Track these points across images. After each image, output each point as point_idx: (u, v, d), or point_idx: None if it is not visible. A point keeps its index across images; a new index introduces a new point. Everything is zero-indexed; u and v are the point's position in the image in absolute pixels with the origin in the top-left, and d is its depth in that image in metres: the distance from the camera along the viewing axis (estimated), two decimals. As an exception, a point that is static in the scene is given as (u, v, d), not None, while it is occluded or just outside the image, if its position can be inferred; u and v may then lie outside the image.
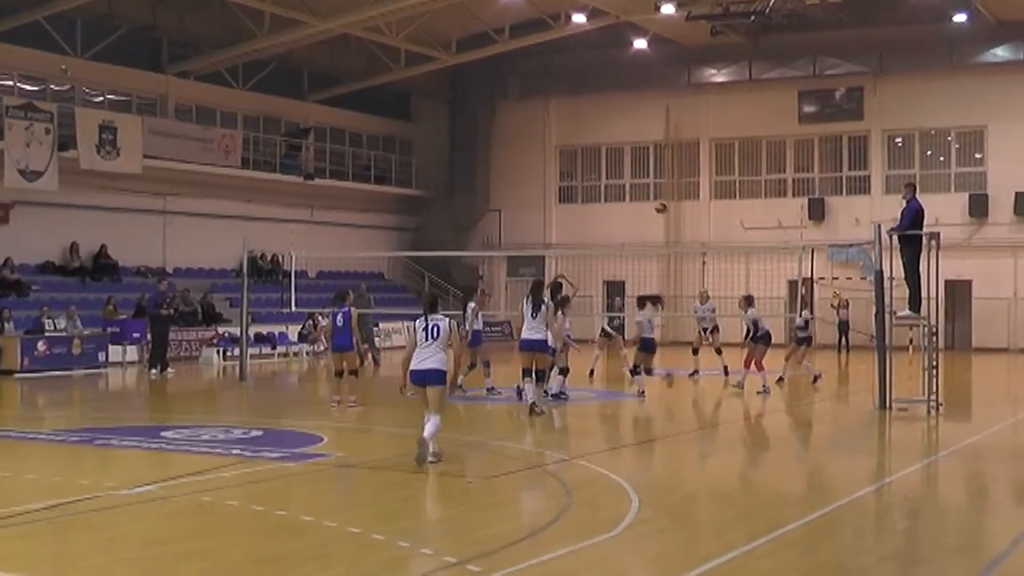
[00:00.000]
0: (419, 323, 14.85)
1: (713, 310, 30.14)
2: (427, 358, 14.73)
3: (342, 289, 22.66)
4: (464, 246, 49.05)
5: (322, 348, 35.90)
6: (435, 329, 14.73)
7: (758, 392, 25.28)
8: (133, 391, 27.52)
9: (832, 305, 40.75)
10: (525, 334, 20.35)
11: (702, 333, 29.99)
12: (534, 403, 20.07)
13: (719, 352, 28.79)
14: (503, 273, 49.95)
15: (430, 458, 14.42)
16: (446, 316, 15.03)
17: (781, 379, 27.22)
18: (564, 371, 22.98)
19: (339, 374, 21.73)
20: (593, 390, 25.86)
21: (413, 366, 14.84)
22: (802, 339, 27.49)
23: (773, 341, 26.91)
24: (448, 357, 14.91)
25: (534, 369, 20.18)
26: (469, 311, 24.37)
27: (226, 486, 13.24)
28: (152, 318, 30.75)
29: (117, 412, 22.64)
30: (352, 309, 21.92)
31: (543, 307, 20.37)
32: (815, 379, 27.26)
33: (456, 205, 50.17)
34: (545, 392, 21.63)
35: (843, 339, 40.85)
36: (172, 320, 31.73)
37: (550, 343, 21.13)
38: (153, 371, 29.84)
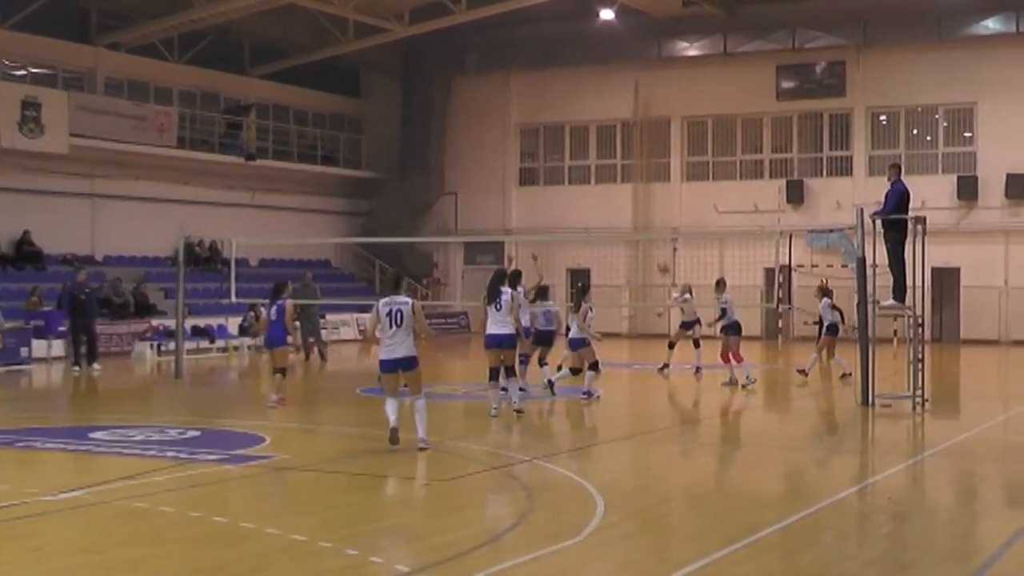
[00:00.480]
0: (383, 305, 15.91)
1: (686, 300, 29.55)
2: (398, 345, 15.83)
3: (281, 280, 22.43)
4: (418, 232, 48.95)
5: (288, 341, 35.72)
6: (399, 315, 15.73)
7: (723, 384, 25.59)
8: (59, 389, 27.35)
9: (816, 296, 40.93)
10: (491, 329, 19.70)
11: (682, 327, 29.52)
12: (499, 409, 19.96)
13: (696, 345, 28.68)
14: (459, 261, 49.92)
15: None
16: (409, 298, 16.11)
17: (803, 371, 27.13)
18: (595, 366, 22.73)
19: (277, 371, 21.72)
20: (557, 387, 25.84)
21: (383, 355, 15.96)
22: (831, 327, 28.04)
23: (747, 333, 26.96)
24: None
25: (506, 367, 19.87)
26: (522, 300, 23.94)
27: (160, 491, 13.17)
28: (69, 311, 30.48)
29: (42, 412, 22.49)
30: (288, 302, 21.74)
31: (502, 298, 19.71)
32: (844, 375, 26.92)
33: (409, 188, 50.05)
34: (588, 393, 22.43)
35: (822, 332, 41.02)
36: (92, 312, 31.07)
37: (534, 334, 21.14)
38: (75, 368, 29.63)
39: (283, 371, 21.59)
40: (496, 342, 19.62)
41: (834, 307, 29.16)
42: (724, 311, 26.47)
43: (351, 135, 49.73)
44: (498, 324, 19.57)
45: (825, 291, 28.43)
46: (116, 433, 17.70)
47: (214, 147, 43.31)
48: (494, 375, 19.73)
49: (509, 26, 47.63)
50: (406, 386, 16.30)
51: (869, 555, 10.57)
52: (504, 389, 20.26)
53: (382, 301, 16.06)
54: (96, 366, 29.90)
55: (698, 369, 28.24)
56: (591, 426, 20.72)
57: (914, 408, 20.82)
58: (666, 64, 47.21)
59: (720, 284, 27.24)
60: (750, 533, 11.06)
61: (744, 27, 45.45)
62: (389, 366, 15.99)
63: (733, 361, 26.02)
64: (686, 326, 29.21)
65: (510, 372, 20.05)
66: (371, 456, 16.38)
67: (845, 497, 13.36)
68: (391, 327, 15.79)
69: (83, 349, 30.27)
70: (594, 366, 22.56)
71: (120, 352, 34.39)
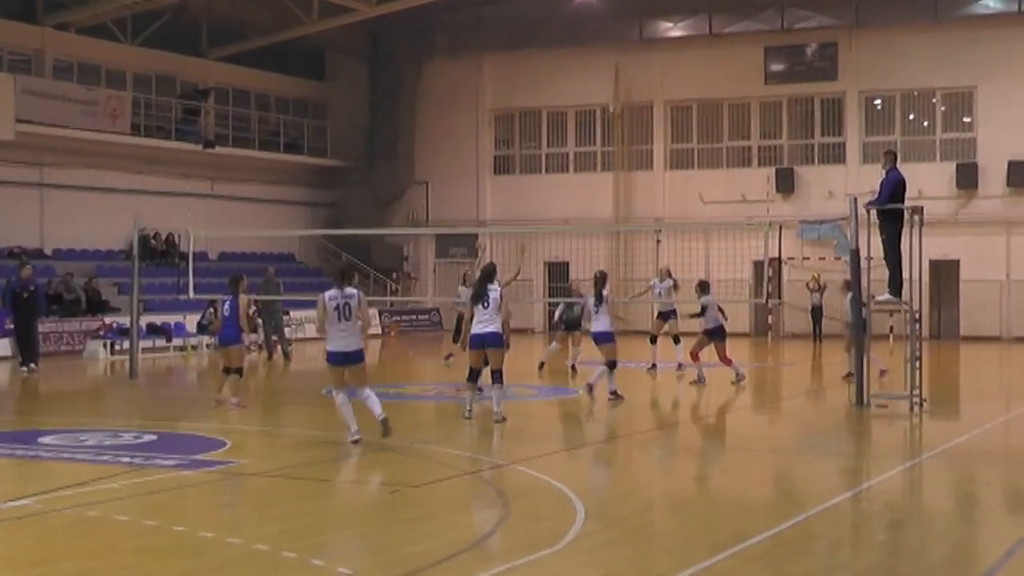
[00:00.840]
0: (330, 299, 16.66)
1: (670, 290, 29.32)
2: (348, 338, 16.66)
3: (235, 273, 22.31)
4: (386, 223, 48.93)
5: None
6: (347, 308, 16.55)
7: (691, 382, 25.93)
8: (4, 391, 27.25)
9: (809, 288, 41.11)
10: (475, 327, 19.33)
11: (660, 318, 29.32)
12: (473, 410, 19.82)
13: (676, 341, 28.71)
14: (431, 254, 49.94)
15: (380, 419, 16.65)
16: (357, 290, 16.87)
17: (851, 374, 26.42)
18: (612, 365, 22.77)
19: (227, 371, 21.74)
20: (534, 386, 25.88)
21: (333, 347, 16.77)
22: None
23: (735, 329, 27.02)
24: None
25: (491, 369, 19.33)
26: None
27: (114, 499, 13.14)
28: (11, 309, 30.18)
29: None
30: (243, 297, 21.70)
31: (490, 296, 19.30)
32: (881, 373, 26.63)
33: (377, 177, 50.02)
34: (614, 393, 22.54)
35: (817, 327, 41.18)
36: (38, 310, 30.85)
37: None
38: (23, 368, 29.35)
39: (239, 371, 21.55)
40: (479, 341, 19.25)
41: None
42: (704, 309, 26.46)
43: (316, 121, 49.66)
44: (483, 322, 19.21)
45: (704, 286, 27.87)
46: (67, 437, 17.63)
47: (170, 134, 43.21)
48: (473, 376, 19.55)
49: (482, 6, 47.69)
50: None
51: (863, 564, 10.59)
52: (480, 389, 20.29)
53: (328, 293, 16.72)
54: (32, 366, 29.40)
55: (680, 366, 28.24)
56: (571, 429, 20.73)
57: (911, 409, 20.88)
58: (648, 46, 47.26)
59: (703, 286, 27.14)
60: (737, 541, 11.07)
61: (730, 7, 45.55)
62: (338, 359, 16.79)
63: (719, 361, 26.11)
64: (663, 316, 29.09)
65: (497, 377, 19.26)
66: (337, 461, 16.37)
67: (838, 503, 13.38)
68: (340, 320, 16.56)
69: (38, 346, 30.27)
70: (613, 364, 22.74)
71: (71, 351, 34.29)
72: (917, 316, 21.82)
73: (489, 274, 19.73)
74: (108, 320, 35.66)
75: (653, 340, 29.19)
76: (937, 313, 42.94)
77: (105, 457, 15.77)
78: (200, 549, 10.95)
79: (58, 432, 18.24)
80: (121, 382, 28.84)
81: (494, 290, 19.43)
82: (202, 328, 37.11)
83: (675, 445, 18.61)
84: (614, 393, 22.62)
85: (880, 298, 22.03)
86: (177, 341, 36.96)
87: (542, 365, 28.65)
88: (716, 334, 26.32)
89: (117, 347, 34.33)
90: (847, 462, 16.98)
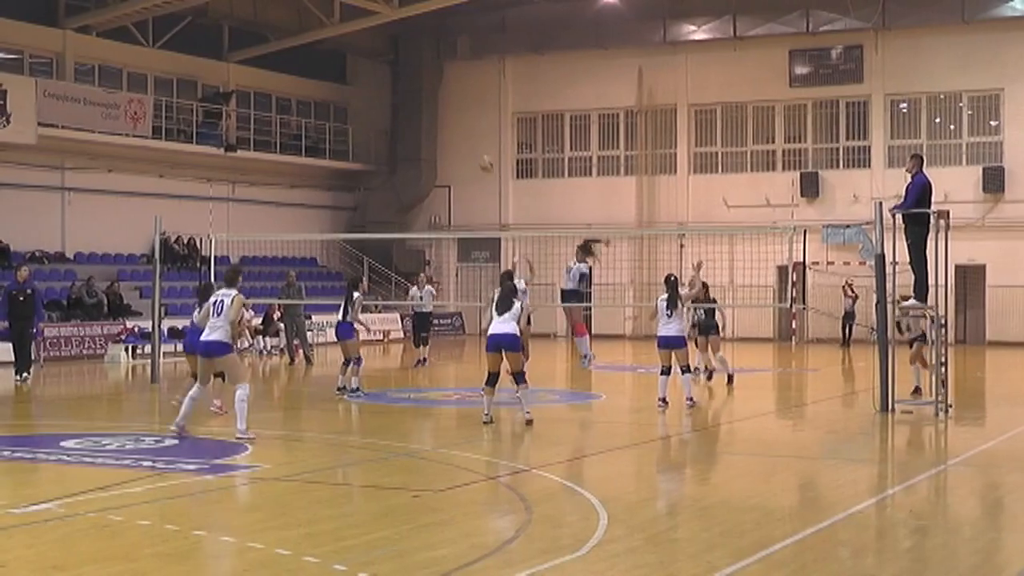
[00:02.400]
0: (213, 297, 18.15)
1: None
2: (211, 331, 17.84)
3: (232, 268, 21.46)
4: (408, 227, 49.02)
5: (246, 344, 35.81)
6: (220, 305, 17.82)
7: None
8: (26, 394, 27.31)
9: (844, 293, 41.05)
10: (492, 328, 19.57)
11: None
12: (491, 415, 19.77)
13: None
14: (453, 257, 49.99)
15: (238, 434, 17.58)
16: (237, 291, 18.04)
17: (918, 390, 24.60)
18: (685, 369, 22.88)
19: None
20: (556, 390, 25.87)
21: (202, 337, 18.09)
22: (921, 335, 24.54)
23: (759, 334, 26.96)
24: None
25: (512, 373, 19.57)
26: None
27: (136, 503, 13.17)
28: (10, 313, 28.36)
29: (8, 419, 22.49)
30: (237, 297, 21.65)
31: (513, 310, 19.61)
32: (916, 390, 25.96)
33: (399, 180, 50.11)
34: (691, 400, 22.74)
35: (847, 332, 41.08)
36: (36, 315, 29.97)
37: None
38: (17, 377, 28.13)
39: (221, 375, 21.32)
40: (496, 343, 19.43)
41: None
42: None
43: (337, 124, 49.76)
44: (500, 323, 19.47)
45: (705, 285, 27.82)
46: (88, 441, 17.68)
47: (191, 137, 43.34)
48: (491, 380, 19.55)
49: (504, 8, 47.75)
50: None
51: (888, 572, 10.57)
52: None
53: (213, 296, 18.24)
54: (26, 375, 28.21)
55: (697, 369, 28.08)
56: (593, 434, 20.73)
57: (936, 414, 20.84)
58: (672, 48, 47.26)
59: (703, 284, 27.04)
60: (761, 548, 11.07)
61: (755, 9, 45.52)
62: (202, 347, 18.06)
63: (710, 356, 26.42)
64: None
65: (520, 378, 19.61)
66: (358, 466, 16.41)
67: (862, 510, 13.35)
68: (212, 316, 17.88)
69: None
70: (688, 368, 22.93)
71: (93, 355, 34.39)
72: (943, 321, 21.79)
73: (512, 287, 20.07)
74: (129, 324, 35.77)
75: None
76: (963, 318, 42.83)
77: (127, 461, 15.81)
78: (221, 554, 10.99)
79: (80, 436, 18.28)
80: (143, 386, 28.92)
81: (516, 302, 19.75)
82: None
83: (698, 450, 18.59)
84: (691, 400, 22.74)
85: (906, 303, 21.99)
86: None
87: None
88: (712, 329, 26.80)
89: (138, 351, 34.44)
90: (872, 468, 16.95)
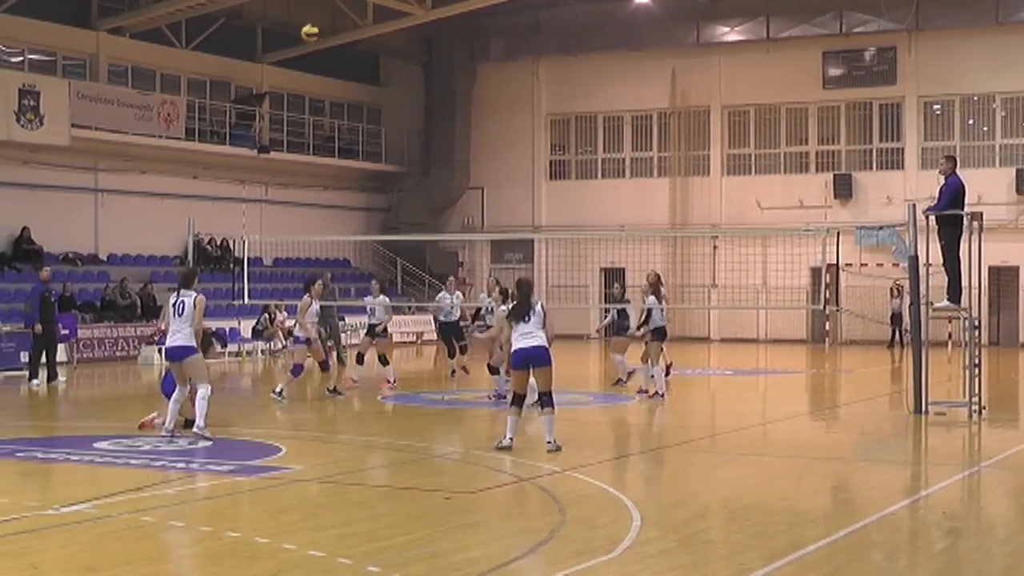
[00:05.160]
0: (171, 298, 18.28)
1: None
2: (175, 335, 17.98)
3: (188, 270, 20.85)
4: (442, 228, 49.04)
5: (280, 346, 35.91)
6: (181, 306, 17.94)
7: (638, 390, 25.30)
8: (61, 396, 27.44)
9: (893, 295, 40.92)
10: (519, 343, 17.08)
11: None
12: (512, 439, 17.25)
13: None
14: (486, 259, 49.95)
15: (195, 430, 17.85)
16: (197, 293, 18.20)
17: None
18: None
19: None
20: (589, 392, 25.88)
21: (167, 343, 18.40)
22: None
23: (792, 336, 26.86)
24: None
25: (539, 392, 17.33)
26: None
27: (169, 504, 13.24)
28: (43, 315, 28.16)
29: (43, 420, 22.63)
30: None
31: (534, 309, 17.21)
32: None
33: (432, 182, 50.15)
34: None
35: (896, 333, 40.87)
36: (55, 316, 29.88)
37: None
38: (34, 381, 27.73)
39: (383, 358, 24.26)
40: (524, 358, 17.08)
41: None
42: (650, 312, 25.69)
43: (370, 126, 49.81)
44: (527, 335, 17.07)
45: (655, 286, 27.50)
46: (122, 443, 17.79)
47: (225, 139, 43.44)
48: (518, 400, 17.19)
49: (537, 9, 47.73)
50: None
51: (921, 574, 10.56)
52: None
53: (172, 296, 18.32)
54: (37, 382, 27.71)
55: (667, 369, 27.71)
56: (625, 435, 20.73)
57: (970, 416, 20.77)
58: (705, 50, 47.18)
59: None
60: (793, 550, 11.07)
61: (788, 10, 45.40)
62: (171, 354, 18.34)
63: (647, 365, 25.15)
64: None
65: (547, 401, 17.22)
66: (392, 467, 16.46)
67: (895, 511, 13.33)
68: (173, 318, 18.01)
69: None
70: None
71: (127, 356, 34.53)
72: (976, 323, 21.72)
73: (531, 287, 17.87)
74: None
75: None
76: (996, 320, 42.64)
77: (161, 462, 15.89)
78: (255, 555, 11.01)
79: (113, 437, 18.39)
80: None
81: (536, 303, 17.46)
82: (257, 334, 37.31)
83: (730, 452, 18.55)
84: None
85: (939, 305, 21.91)
86: (232, 347, 37.13)
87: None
88: (656, 333, 25.80)
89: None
90: (905, 470, 16.92)
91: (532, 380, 17.36)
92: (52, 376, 27.97)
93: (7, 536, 11.57)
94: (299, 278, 40.50)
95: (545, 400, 17.15)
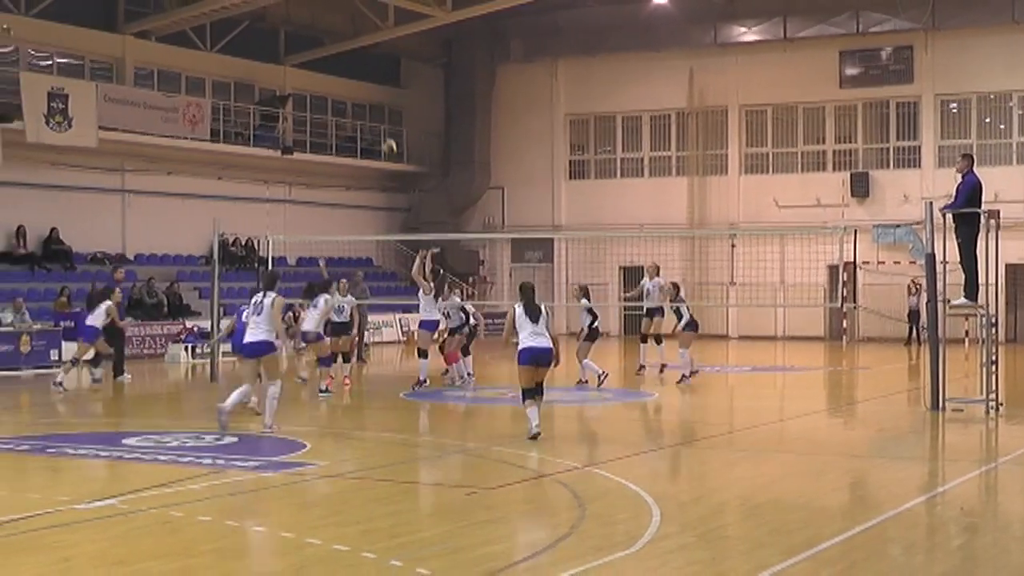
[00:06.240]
0: (254, 299, 19.00)
1: (661, 288, 28.25)
2: (255, 331, 18.69)
3: (271, 272, 21.51)
4: (462, 228, 49.04)
5: (303, 345, 35.90)
6: (261, 306, 18.69)
7: (677, 382, 26.60)
8: (89, 393, 27.55)
9: (911, 292, 40.79)
10: (528, 342, 17.76)
11: (647, 316, 28.58)
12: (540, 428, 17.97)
13: (659, 341, 28.33)
14: (507, 258, 50.01)
15: (264, 429, 18.59)
16: (277, 294, 18.93)
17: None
18: None
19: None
20: (610, 390, 25.90)
21: (246, 339, 18.97)
22: None
23: (810, 333, 26.86)
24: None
25: (535, 382, 17.90)
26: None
27: (196, 499, 13.30)
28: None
29: (72, 417, 22.71)
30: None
31: (541, 312, 17.94)
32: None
33: (453, 182, 50.19)
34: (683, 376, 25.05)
35: (914, 330, 40.73)
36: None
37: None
38: (125, 375, 28.32)
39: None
40: (534, 357, 17.82)
41: None
42: (678, 311, 27.03)
43: (392, 127, 49.83)
44: (536, 336, 17.78)
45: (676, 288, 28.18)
46: (150, 439, 17.86)
47: (249, 140, 43.57)
48: (530, 392, 17.88)
49: (555, 11, 47.72)
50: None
51: (938, 569, 10.56)
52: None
53: (255, 296, 19.09)
54: (127, 375, 28.60)
55: (663, 368, 28.02)
56: (644, 432, 20.74)
57: (987, 413, 20.74)
58: (722, 50, 47.13)
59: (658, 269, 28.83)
60: (810, 546, 11.07)
61: (805, 10, 45.33)
62: (248, 350, 19.04)
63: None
64: (650, 314, 28.49)
65: (539, 389, 18.01)
66: (414, 463, 16.51)
67: (912, 507, 13.32)
68: (253, 316, 18.78)
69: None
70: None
71: (153, 355, 34.63)
72: (993, 320, 21.67)
73: (532, 290, 18.39)
74: (189, 324, 35.97)
75: (644, 339, 28.87)
76: (1013, 317, 42.51)
77: (187, 459, 15.95)
78: (280, 549, 11.07)
79: (141, 434, 18.47)
80: (202, 385, 29.13)
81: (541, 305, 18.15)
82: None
83: (748, 448, 18.54)
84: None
85: (956, 302, 21.87)
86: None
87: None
88: (689, 327, 27.10)
89: (198, 351, 34.62)
90: (922, 466, 16.90)
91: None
92: (119, 372, 28.33)
93: (40, 530, 11.66)
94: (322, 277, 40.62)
95: (539, 389, 17.95)
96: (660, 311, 28.54)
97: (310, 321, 24.46)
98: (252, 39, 44.23)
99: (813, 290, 40.20)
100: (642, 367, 28.68)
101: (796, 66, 45.88)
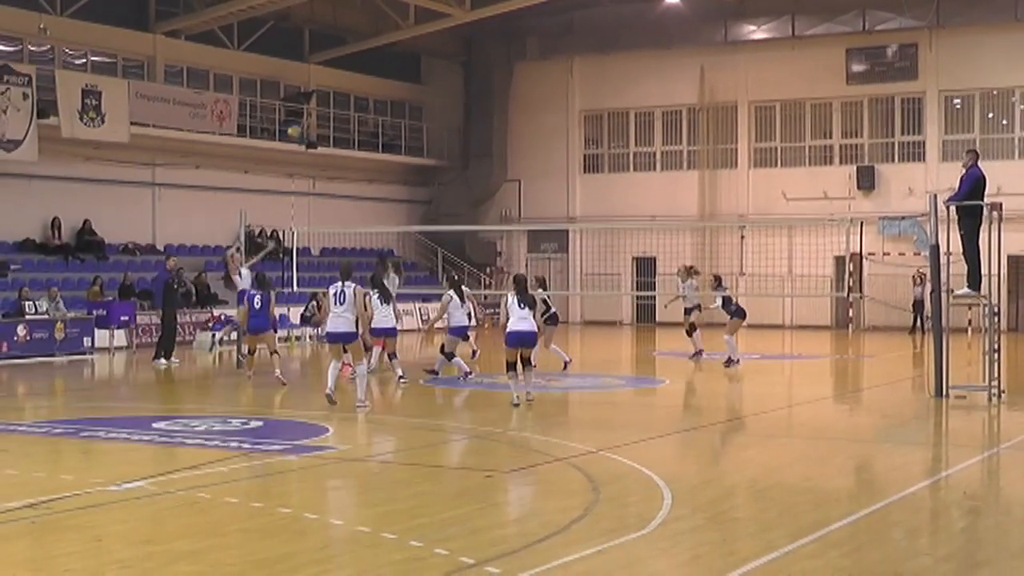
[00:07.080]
0: (332, 289, 19.66)
1: (696, 288, 30.88)
2: (340, 321, 19.51)
3: (346, 263, 21.92)
4: (480, 220, 49.07)
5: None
6: (342, 295, 19.42)
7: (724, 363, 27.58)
8: (121, 379, 27.63)
9: (914, 282, 40.67)
10: (515, 325, 19.97)
11: (687, 313, 30.34)
12: (520, 399, 20.16)
13: (689, 333, 29.78)
14: (523, 249, 49.99)
15: (357, 404, 19.41)
16: (356, 283, 19.60)
17: None
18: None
19: (252, 352, 24.79)
20: (622, 376, 25.87)
21: (328, 328, 19.94)
22: None
23: (817, 322, 26.84)
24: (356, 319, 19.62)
25: (522, 359, 20.22)
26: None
27: (223, 481, 13.30)
28: (165, 300, 30.10)
29: (104, 402, 22.75)
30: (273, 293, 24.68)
31: (534, 299, 20.66)
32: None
33: (471, 175, 50.18)
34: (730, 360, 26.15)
35: (918, 319, 40.56)
36: (179, 302, 31.00)
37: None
38: (161, 361, 29.00)
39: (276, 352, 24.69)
40: (520, 339, 20.07)
41: None
42: (726, 300, 28.79)
43: (412, 122, 49.85)
44: (523, 320, 20.03)
45: (718, 280, 29.76)
46: (179, 423, 17.91)
47: (274, 135, 43.58)
48: (511, 367, 20.21)
49: (571, 10, 47.68)
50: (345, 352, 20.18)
51: (942, 551, 10.52)
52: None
53: (333, 285, 19.74)
54: (174, 359, 29.50)
55: (698, 353, 29.40)
56: (658, 417, 20.70)
57: (990, 400, 20.67)
58: (732, 48, 47.03)
59: (689, 270, 30.57)
60: (817, 528, 11.04)
61: (812, 9, 45.21)
62: (332, 338, 19.98)
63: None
64: (688, 312, 30.18)
65: (528, 363, 20.52)
66: (434, 447, 16.50)
67: (917, 491, 13.27)
68: (336, 305, 19.51)
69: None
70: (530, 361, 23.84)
71: (182, 342, 34.61)
72: (996, 310, 21.61)
73: (524, 281, 20.68)
74: (217, 312, 36.01)
75: (689, 332, 30.09)
76: (1015, 307, 42.36)
77: (215, 442, 15.97)
78: (304, 530, 11.07)
79: (170, 418, 18.52)
80: (229, 371, 29.17)
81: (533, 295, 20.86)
82: (305, 320, 37.39)
83: (757, 434, 18.52)
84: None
85: (959, 292, 21.81)
86: (282, 332, 37.15)
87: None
88: (736, 314, 28.38)
89: (225, 338, 34.64)
90: (926, 451, 16.84)
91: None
92: (168, 355, 29.31)
93: (73, 511, 11.68)
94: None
95: (528, 362, 20.41)
96: (697, 307, 30.32)
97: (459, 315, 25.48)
98: (277, 38, 44.26)
99: (820, 280, 40.13)
100: (699, 352, 29.59)
101: (804, 63, 45.77)
